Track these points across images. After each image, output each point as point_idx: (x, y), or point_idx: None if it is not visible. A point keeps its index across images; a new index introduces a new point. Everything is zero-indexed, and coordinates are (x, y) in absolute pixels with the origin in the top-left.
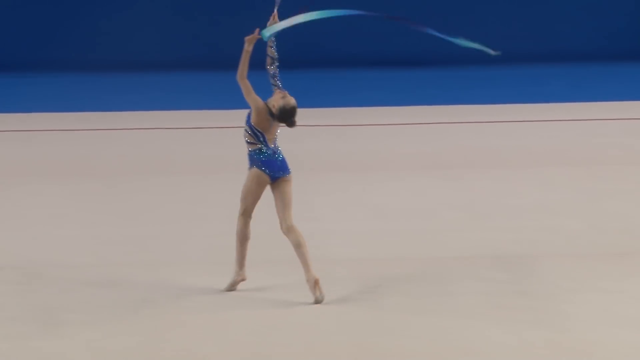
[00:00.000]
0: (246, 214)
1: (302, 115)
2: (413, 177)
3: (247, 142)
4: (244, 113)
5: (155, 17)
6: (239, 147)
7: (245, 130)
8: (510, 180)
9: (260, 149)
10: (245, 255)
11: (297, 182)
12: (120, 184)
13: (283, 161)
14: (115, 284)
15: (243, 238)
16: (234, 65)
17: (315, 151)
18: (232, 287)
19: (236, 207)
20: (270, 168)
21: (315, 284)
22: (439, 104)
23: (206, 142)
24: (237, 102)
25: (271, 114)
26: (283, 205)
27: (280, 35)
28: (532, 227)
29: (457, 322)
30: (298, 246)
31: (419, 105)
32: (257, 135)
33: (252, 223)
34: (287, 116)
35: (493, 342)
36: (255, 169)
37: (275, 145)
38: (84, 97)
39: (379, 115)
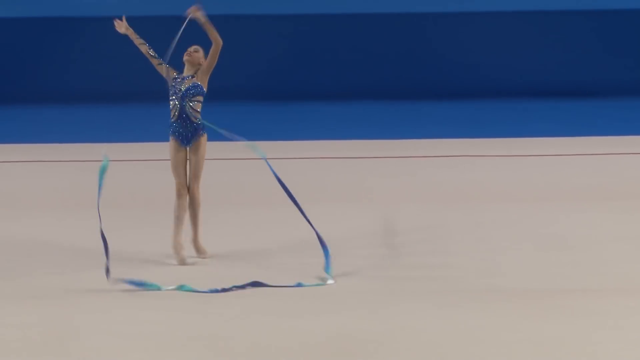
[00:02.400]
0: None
1: (473, 145)
2: (585, 208)
3: (196, 112)
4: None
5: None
6: None
7: (199, 101)
8: None
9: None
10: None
11: (470, 213)
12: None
13: None
14: None
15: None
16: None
17: (489, 181)
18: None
19: None
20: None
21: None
22: (610, 135)
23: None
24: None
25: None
26: (198, 167)
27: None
28: None
29: (623, 355)
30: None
31: (590, 135)
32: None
33: None
34: None
35: None
36: (205, 136)
37: None
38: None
39: (551, 145)
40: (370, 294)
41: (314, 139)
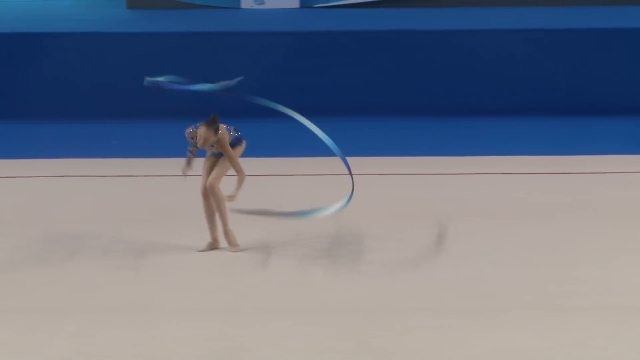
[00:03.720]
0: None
1: (610, 162)
2: None
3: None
4: None
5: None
6: None
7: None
8: None
9: None
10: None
11: (599, 231)
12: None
13: None
14: None
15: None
16: None
17: (626, 199)
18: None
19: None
20: None
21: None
22: None
23: None
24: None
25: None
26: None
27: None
28: None
29: None
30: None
31: None
32: None
33: None
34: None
35: None
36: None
37: None
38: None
39: None
40: (530, 310)
41: (480, 155)
